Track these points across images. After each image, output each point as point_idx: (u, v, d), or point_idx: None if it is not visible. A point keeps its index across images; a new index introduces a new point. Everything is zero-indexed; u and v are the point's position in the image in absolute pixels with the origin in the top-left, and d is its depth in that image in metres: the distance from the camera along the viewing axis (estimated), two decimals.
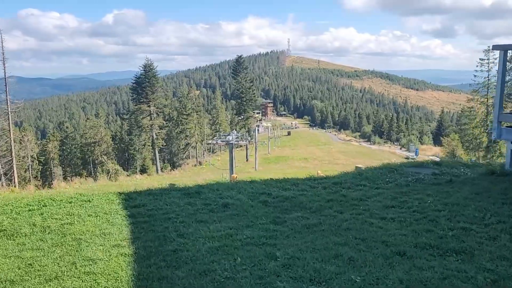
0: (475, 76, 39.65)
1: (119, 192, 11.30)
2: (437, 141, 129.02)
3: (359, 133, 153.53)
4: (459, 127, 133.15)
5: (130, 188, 17.62)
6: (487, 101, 39.30)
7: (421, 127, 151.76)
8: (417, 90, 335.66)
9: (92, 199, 10.47)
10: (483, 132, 38.66)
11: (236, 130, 76.22)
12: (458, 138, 40.53)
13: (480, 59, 39.19)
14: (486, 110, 39.49)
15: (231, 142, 35.57)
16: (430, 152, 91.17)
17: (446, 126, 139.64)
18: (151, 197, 10.61)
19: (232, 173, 34.39)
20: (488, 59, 38.80)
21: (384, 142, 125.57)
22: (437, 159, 74.32)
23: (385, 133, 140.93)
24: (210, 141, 42.10)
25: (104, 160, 65.61)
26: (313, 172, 50.38)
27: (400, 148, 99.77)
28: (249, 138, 43.24)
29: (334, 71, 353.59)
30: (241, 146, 60.40)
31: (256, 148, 53.60)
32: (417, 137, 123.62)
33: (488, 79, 39.03)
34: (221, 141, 37.38)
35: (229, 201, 9.92)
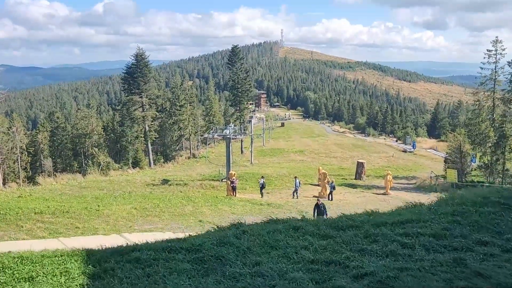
0: (481, 68, 38.49)
1: (88, 253, 7.81)
2: (431, 134, 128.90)
3: (353, 125, 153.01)
4: (455, 120, 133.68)
5: (112, 224, 16.46)
6: (494, 94, 38.32)
7: (415, 119, 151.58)
8: (409, 82, 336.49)
9: (39, 274, 6.54)
10: (489, 126, 37.70)
11: (231, 121, 74.90)
12: (465, 132, 39.50)
13: (487, 50, 38.05)
14: (493, 104, 38.51)
15: (229, 136, 34.32)
16: (426, 145, 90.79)
17: (441, 118, 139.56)
18: (139, 270, 6.52)
19: (230, 170, 33.37)
20: (496, 50, 37.66)
21: (379, 134, 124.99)
22: (436, 152, 73.40)
23: (379, 125, 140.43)
24: (206, 135, 40.77)
25: (95, 153, 64.08)
26: (313, 167, 49.41)
27: (396, 141, 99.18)
28: (246, 132, 42.04)
29: (327, 63, 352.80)
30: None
31: (252, 141, 52.44)
32: (412, 129, 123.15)
33: (496, 71, 38.00)
34: (217, 135, 36.09)
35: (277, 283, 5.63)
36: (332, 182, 30.46)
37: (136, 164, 66.85)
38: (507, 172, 37.94)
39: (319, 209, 19.93)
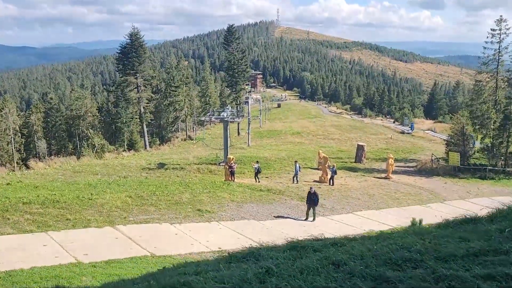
0: (484, 48, 37.40)
1: None
2: (428, 114, 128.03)
3: (349, 106, 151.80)
4: (453, 101, 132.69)
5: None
6: (497, 74, 37.28)
7: (412, 99, 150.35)
8: (405, 62, 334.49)
9: None
10: (491, 108, 36.74)
11: (227, 102, 73.65)
12: (467, 114, 38.53)
13: (491, 29, 36.96)
14: (495, 85, 37.50)
15: (226, 119, 33.19)
16: (423, 126, 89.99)
17: (438, 99, 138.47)
18: None
19: (227, 153, 32.35)
20: (500, 29, 36.50)
21: (376, 115, 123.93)
22: (434, 133, 72.72)
23: (376, 106, 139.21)
24: (203, 118, 39.61)
25: (90, 134, 62.83)
26: (311, 149, 48.53)
27: (394, 122, 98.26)
28: (244, 114, 40.90)
29: (323, 43, 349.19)
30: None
31: (249, 123, 51.33)
32: (409, 110, 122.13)
33: (499, 51, 36.91)
34: (215, 118, 34.95)
35: None
36: (334, 167, 29.58)
37: (131, 146, 65.74)
38: (510, 155, 37.17)
39: (311, 198, 19.23)
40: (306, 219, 19.24)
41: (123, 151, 59.50)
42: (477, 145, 40.31)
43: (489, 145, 38.07)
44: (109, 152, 57.92)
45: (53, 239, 13.14)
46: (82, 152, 58.15)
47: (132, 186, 22.74)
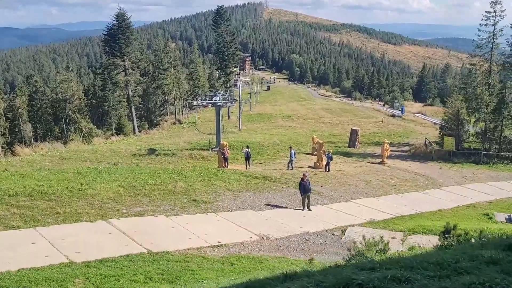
0: (479, 30, 36.71)
1: None
2: (417, 97, 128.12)
3: (338, 88, 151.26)
4: (442, 84, 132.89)
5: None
6: (491, 57, 36.74)
7: (401, 82, 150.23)
8: (394, 44, 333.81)
9: None
10: (485, 91, 36.31)
11: (216, 85, 72.20)
12: (462, 98, 38.08)
13: (486, 12, 36.17)
14: (489, 68, 36.99)
15: (219, 104, 32.23)
16: (412, 109, 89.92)
17: (427, 82, 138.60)
18: None
19: (220, 139, 31.52)
20: (495, 11, 35.82)
21: (365, 98, 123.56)
22: (424, 117, 72.73)
23: (365, 89, 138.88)
24: (195, 103, 38.57)
25: (76, 118, 61.37)
26: (303, 133, 47.93)
27: (384, 105, 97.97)
28: (237, 99, 39.92)
29: (312, 25, 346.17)
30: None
31: (240, 106, 50.44)
32: (398, 92, 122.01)
33: (494, 34, 36.28)
34: (207, 103, 33.95)
35: None
36: (329, 153, 29.01)
37: (119, 130, 64.42)
38: (504, 139, 37.02)
39: (304, 186, 18.41)
40: (303, 209, 18.57)
41: (111, 135, 58.27)
42: (470, 129, 40.09)
43: (483, 129, 37.84)
44: (97, 136, 56.68)
45: (42, 236, 12.32)
46: (69, 137, 56.86)
47: (123, 174, 21.87)
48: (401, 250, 8.55)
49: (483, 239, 6.01)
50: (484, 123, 37.68)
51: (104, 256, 11.25)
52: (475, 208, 21.83)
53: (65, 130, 63.85)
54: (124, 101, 66.67)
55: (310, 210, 18.50)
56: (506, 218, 19.62)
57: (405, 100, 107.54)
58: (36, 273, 9.85)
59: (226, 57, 66.03)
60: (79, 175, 21.36)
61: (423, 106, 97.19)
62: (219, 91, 37.09)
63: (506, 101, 35.82)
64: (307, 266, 6.29)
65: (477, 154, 35.87)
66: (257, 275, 7.65)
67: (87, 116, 66.33)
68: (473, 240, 6.12)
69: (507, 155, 35.74)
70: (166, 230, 14.15)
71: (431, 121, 67.85)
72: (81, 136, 56.68)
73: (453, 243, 6.08)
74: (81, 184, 18.49)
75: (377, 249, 7.30)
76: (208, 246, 13.08)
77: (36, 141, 59.44)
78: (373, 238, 7.72)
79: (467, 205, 22.16)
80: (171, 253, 12.10)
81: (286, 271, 4.75)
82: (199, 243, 13.20)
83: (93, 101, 72.19)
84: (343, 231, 16.19)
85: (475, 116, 37.64)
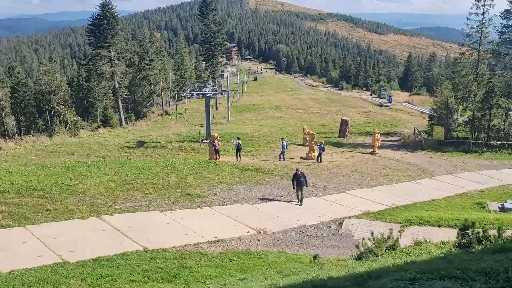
0: (468, 19, 36.72)
1: None
2: (403, 87, 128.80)
3: (326, 78, 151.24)
4: (427, 73, 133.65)
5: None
6: (480, 46, 36.81)
7: (387, 72, 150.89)
8: (379, 34, 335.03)
9: None
10: (473, 80, 36.44)
11: (202, 76, 71.40)
12: (450, 87, 38.14)
13: (475, 0, 36.13)
14: (477, 57, 37.09)
15: (209, 95, 31.70)
16: (399, 98, 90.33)
17: (413, 71, 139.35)
18: None
19: (210, 131, 31.06)
20: (484, 0, 35.82)
21: (352, 87, 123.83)
22: (412, 106, 73.18)
23: (352, 78, 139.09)
24: (184, 94, 37.90)
25: (61, 110, 60.17)
26: (292, 124, 47.71)
27: (371, 94, 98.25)
28: (227, 90, 39.33)
29: (298, 14, 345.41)
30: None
31: (228, 97, 49.91)
32: (385, 82, 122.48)
33: (483, 23, 36.30)
34: (196, 94, 33.38)
35: None
36: (321, 143, 28.80)
37: (105, 122, 63.38)
38: (493, 128, 37.26)
39: (299, 179, 18.00)
40: (298, 202, 18.28)
41: (97, 127, 57.31)
42: (459, 118, 40.29)
43: (471, 118, 38.03)
44: (82, 128, 55.69)
45: (33, 235, 11.86)
46: (54, 129, 55.77)
47: (113, 168, 21.36)
48: (409, 246, 8.37)
49: (502, 237, 5.81)
50: (472, 112, 37.85)
51: (99, 255, 10.87)
52: (468, 197, 21.87)
53: (49, 122, 62.62)
54: (110, 93, 65.58)
55: (300, 204, 18.17)
56: (499, 207, 19.69)
57: (391, 90, 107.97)
58: (29, 275, 9.44)
59: (213, 47, 65.24)
60: (68, 169, 20.79)
61: (409, 95, 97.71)
62: (208, 82, 36.53)
63: (495, 90, 35.98)
64: (321, 271, 5.97)
65: (466, 143, 36.03)
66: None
67: (72, 108, 65.09)
68: (492, 238, 5.91)
69: (495, 144, 35.98)
70: (161, 226, 13.78)
71: (419, 110, 68.23)
72: (67, 128, 55.61)
73: (472, 242, 5.86)
74: (71, 179, 17.98)
75: (387, 245, 7.05)
76: (205, 242, 12.77)
77: (20, 134, 58.18)
78: (382, 234, 7.48)
79: (459, 195, 22.19)
80: (168, 250, 11.77)
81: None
82: (196, 239, 12.88)
83: (78, 92, 70.87)
84: (340, 223, 16.02)
85: (463, 105, 37.77)
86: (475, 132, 37.66)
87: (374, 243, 7.23)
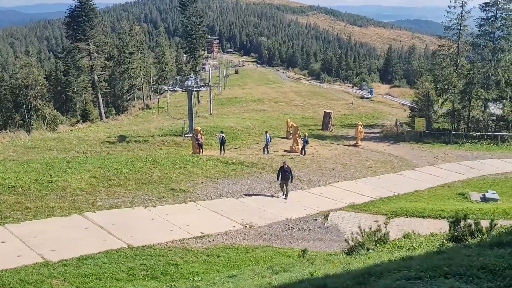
0: (448, 12, 37.06)
1: None
2: (384, 79, 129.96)
3: (307, 71, 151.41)
4: (407, 65, 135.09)
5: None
6: (459, 39, 37.22)
7: (368, 64, 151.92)
8: (360, 26, 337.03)
9: None
10: (453, 72, 36.84)
11: (183, 69, 70.61)
12: (431, 79, 38.50)
13: None
14: (457, 49, 37.50)
15: (191, 88, 31.28)
16: (380, 90, 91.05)
17: (393, 63, 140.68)
18: None
19: (193, 124, 30.68)
20: None
21: (334, 80, 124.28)
22: (393, 98, 73.88)
23: (333, 71, 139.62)
24: (166, 88, 37.32)
25: (39, 105, 58.81)
26: (275, 116, 47.62)
27: (352, 87, 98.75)
28: (209, 83, 38.93)
29: (279, 7, 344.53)
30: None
31: (210, 90, 49.50)
32: (366, 74, 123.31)
33: (462, 15, 36.68)
34: (179, 87, 32.91)
35: None
36: (305, 136, 28.77)
37: (85, 116, 62.20)
38: (472, 119, 37.81)
39: (284, 173, 17.85)
40: (283, 196, 18.15)
41: (76, 122, 56.27)
42: (439, 110, 40.75)
43: (451, 109, 38.49)
44: (61, 123, 54.58)
45: (12, 234, 11.48)
46: (32, 124, 54.53)
47: (94, 163, 20.91)
48: (398, 238, 8.35)
49: (495, 229, 5.78)
50: (452, 104, 38.30)
51: (82, 253, 10.58)
52: (449, 188, 22.14)
53: (27, 117, 61.21)
54: (89, 87, 64.38)
55: (286, 198, 18.03)
56: (480, 197, 19.97)
57: (372, 82, 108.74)
58: (9, 276, 9.11)
59: (194, 40, 64.64)
60: (47, 165, 20.26)
61: (390, 88, 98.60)
62: (190, 76, 36.08)
63: (474, 81, 36.45)
64: (313, 267, 5.88)
65: (446, 134, 36.50)
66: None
67: (50, 103, 63.70)
68: (484, 230, 5.87)
69: (475, 135, 36.55)
70: (146, 222, 13.52)
71: (399, 102, 68.89)
72: (45, 123, 54.43)
73: (464, 235, 5.82)
74: (51, 175, 17.52)
75: (376, 238, 6.98)
76: (191, 238, 12.58)
77: None
78: (370, 228, 7.41)
79: (441, 185, 22.44)
80: (153, 247, 11.54)
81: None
82: (182, 235, 12.67)
83: (56, 86, 69.38)
84: (326, 216, 16.01)
85: (443, 97, 38.19)
86: (455, 124, 38.15)
87: (364, 237, 7.17)
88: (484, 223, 6.61)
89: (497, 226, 6.23)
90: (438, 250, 5.12)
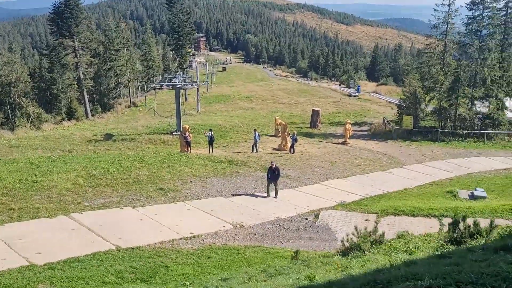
0: (435, 10, 37.25)
1: None
2: (370, 77, 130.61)
3: (294, 69, 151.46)
4: (394, 63, 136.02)
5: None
6: (446, 37, 37.45)
7: (355, 62, 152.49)
8: (346, 24, 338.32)
9: None
10: (440, 70, 37.07)
11: (170, 66, 70.03)
12: (419, 77, 38.71)
13: None
14: (444, 48, 37.74)
15: (179, 86, 30.92)
16: (367, 88, 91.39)
17: (380, 61, 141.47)
18: None
19: (180, 122, 30.33)
20: None
21: (321, 78, 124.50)
22: (380, 96, 74.26)
23: (320, 69, 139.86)
24: (153, 85, 36.89)
25: (23, 103, 57.79)
26: (263, 114, 47.44)
27: (340, 85, 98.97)
28: (197, 81, 38.56)
29: (266, 4, 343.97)
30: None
31: (198, 88, 49.14)
32: (353, 72, 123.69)
33: (449, 14, 36.89)
34: (166, 85, 32.53)
35: None
36: (294, 134, 28.66)
37: (70, 114, 61.31)
38: (459, 117, 38.11)
39: (273, 173, 17.66)
40: (267, 196, 17.78)
41: (61, 120, 55.43)
42: (427, 108, 41.00)
43: (438, 107, 38.76)
44: (46, 121, 53.78)
45: None
46: (16, 123, 53.62)
47: (80, 163, 20.53)
48: (393, 239, 8.25)
49: (494, 230, 5.68)
50: (438, 102, 38.56)
51: (68, 256, 10.30)
52: (438, 185, 22.23)
53: (10, 115, 60.11)
54: (74, 84, 63.46)
55: (275, 197, 17.74)
56: (469, 195, 20.08)
57: (359, 80, 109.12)
58: None
59: (182, 37, 64.06)
60: (32, 165, 19.82)
61: (377, 86, 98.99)
62: (178, 73, 35.70)
63: (461, 80, 36.74)
64: (309, 270, 5.72)
65: (434, 132, 36.73)
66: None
67: (34, 100, 62.69)
68: (483, 232, 5.78)
69: (461, 132, 36.85)
70: (134, 223, 13.25)
71: (386, 100, 69.20)
72: (29, 121, 53.58)
73: (464, 236, 5.72)
74: (36, 175, 17.12)
75: (371, 239, 6.86)
76: (181, 238, 12.36)
77: None
78: (365, 229, 7.28)
79: (430, 183, 22.54)
80: (142, 249, 11.30)
81: None
82: (171, 236, 12.44)
83: (40, 84, 68.28)
84: (316, 215, 15.91)
85: (430, 95, 38.43)
86: (442, 121, 38.42)
87: (359, 238, 7.05)
88: (482, 222, 6.53)
89: (495, 225, 6.15)
90: (440, 253, 5.01)
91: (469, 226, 5.94)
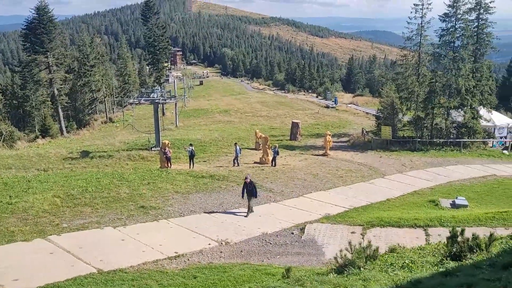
0: (408, 23, 38.03)
1: None
2: (346, 88, 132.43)
3: (272, 81, 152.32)
4: (369, 74, 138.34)
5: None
6: (420, 48, 38.19)
7: (331, 74, 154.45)
8: (321, 37, 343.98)
9: None
10: (415, 81, 37.71)
11: (147, 81, 69.39)
12: (395, 88, 39.28)
13: (414, 4, 37.50)
14: (418, 59, 38.46)
15: (157, 101, 30.51)
16: (344, 99, 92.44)
17: (355, 73, 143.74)
18: None
19: (159, 137, 29.80)
20: (422, 4, 37.23)
21: (298, 90, 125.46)
22: (357, 107, 75.07)
23: (297, 81, 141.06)
24: (131, 101, 36.29)
25: None
26: (242, 128, 47.27)
27: (317, 96, 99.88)
28: (176, 96, 38.19)
29: (242, 18, 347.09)
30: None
31: (176, 103, 48.71)
32: (330, 84, 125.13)
33: (422, 26, 37.68)
34: (144, 100, 32.05)
35: None
36: (276, 147, 28.55)
37: (45, 132, 59.81)
38: (436, 126, 38.73)
39: (248, 188, 17.09)
40: (248, 213, 17.05)
41: (35, 137, 54.01)
42: (402, 118, 41.58)
43: (415, 117, 39.34)
44: (19, 139, 52.27)
45: None
46: None
47: (57, 182, 19.86)
48: (386, 253, 8.09)
49: (493, 243, 5.57)
50: (415, 112, 39.17)
51: (48, 282, 9.80)
52: (419, 195, 22.38)
53: None
54: (48, 101, 62.09)
55: (249, 213, 16.98)
56: (450, 204, 20.24)
57: (336, 91, 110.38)
58: None
59: (158, 52, 63.67)
60: (6, 185, 19.07)
61: (353, 97, 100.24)
62: (156, 88, 35.28)
63: (436, 90, 37.42)
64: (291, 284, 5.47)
65: (412, 141, 37.22)
66: None
67: (7, 118, 61.04)
68: (483, 245, 5.66)
69: (438, 142, 37.44)
70: (116, 243, 12.77)
71: (364, 111, 70.02)
72: (1, 140, 52.01)
73: (463, 251, 5.60)
74: (10, 196, 16.44)
75: (366, 255, 6.69)
76: (165, 258, 11.95)
77: None
78: (360, 244, 7.11)
79: (411, 193, 22.68)
80: (125, 271, 10.86)
81: None
82: (155, 256, 12.02)
83: (13, 101, 66.63)
84: (302, 229, 15.71)
85: (407, 106, 39.01)
86: (419, 131, 38.99)
87: (353, 254, 6.86)
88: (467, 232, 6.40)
89: (493, 238, 6.05)
90: (444, 270, 4.85)
91: (467, 240, 5.83)
